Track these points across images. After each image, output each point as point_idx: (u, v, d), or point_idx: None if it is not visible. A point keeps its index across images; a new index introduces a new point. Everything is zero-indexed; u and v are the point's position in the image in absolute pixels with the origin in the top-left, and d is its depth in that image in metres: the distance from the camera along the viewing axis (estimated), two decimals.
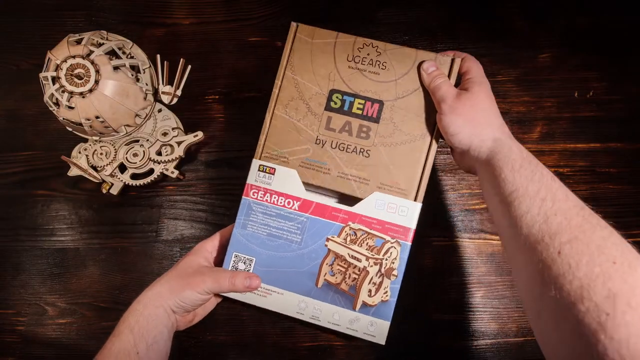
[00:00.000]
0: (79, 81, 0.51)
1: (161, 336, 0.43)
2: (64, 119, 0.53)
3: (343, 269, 0.46)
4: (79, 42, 0.53)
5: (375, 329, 0.46)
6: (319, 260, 0.46)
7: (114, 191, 0.57)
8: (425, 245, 0.55)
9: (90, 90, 0.51)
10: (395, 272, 0.45)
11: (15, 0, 0.70)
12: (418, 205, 0.46)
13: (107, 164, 0.57)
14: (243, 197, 0.48)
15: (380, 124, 0.48)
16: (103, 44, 0.53)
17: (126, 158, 0.57)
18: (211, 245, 0.49)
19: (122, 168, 0.57)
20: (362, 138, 0.48)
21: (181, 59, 0.56)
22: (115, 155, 0.57)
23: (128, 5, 0.69)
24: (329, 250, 0.46)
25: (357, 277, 0.46)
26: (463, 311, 0.53)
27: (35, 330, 0.54)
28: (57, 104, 0.53)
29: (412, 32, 0.67)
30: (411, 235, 0.46)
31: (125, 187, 0.58)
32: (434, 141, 0.47)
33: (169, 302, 0.44)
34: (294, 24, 0.49)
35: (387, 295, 0.45)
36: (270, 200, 0.48)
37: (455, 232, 0.57)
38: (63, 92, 0.51)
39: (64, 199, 0.59)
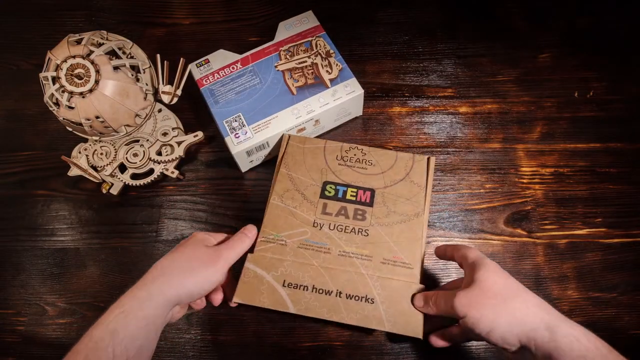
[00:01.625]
0: (79, 81, 0.51)
1: (147, 347, 0.39)
2: (64, 119, 0.53)
3: (301, 73, 0.57)
4: (79, 42, 0.53)
5: (350, 87, 0.57)
6: (281, 82, 0.57)
7: (114, 191, 0.57)
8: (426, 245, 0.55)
9: (90, 90, 0.51)
10: (330, 51, 0.58)
11: (16, 0, 0.70)
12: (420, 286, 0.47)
13: (107, 164, 0.57)
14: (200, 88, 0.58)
15: (374, 207, 0.50)
16: (103, 44, 0.53)
17: (126, 158, 0.57)
18: (215, 238, 0.46)
19: (122, 168, 0.57)
20: (358, 220, 0.50)
21: (181, 59, 0.56)
22: (115, 155, 0.57)
23: (128, 5, 0.69)
24: (282, 71, 0.57)
25: (313, 70, 0.57)
26: None
27: (35, 330, 0.54)
28: (57, 104, 0.53)
29: (412, 32, 0.67)
30: None
31: (125, 187, 0.58)
32: (426, 219, 0.50)
33: (173, 294, 0.40)
34: (285, 135, 0.55)
35: (338, 66, 0.57)
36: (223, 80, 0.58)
37: (455, 232, 0.57)
38: (63, 92, 0.51)
39: (64, 199, 0.59)
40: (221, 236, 0.47)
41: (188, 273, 0.41)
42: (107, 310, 0.39)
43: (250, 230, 0.48)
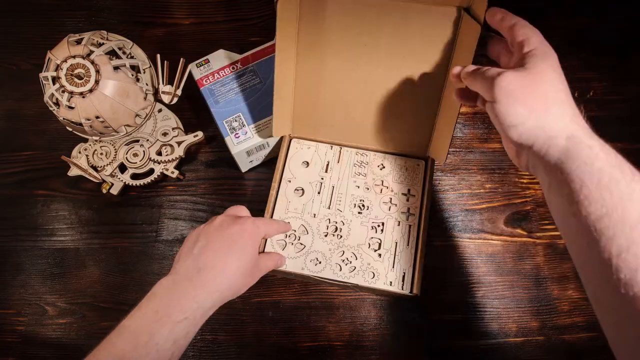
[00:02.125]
0: (79, 81, 0.51)
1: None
2: (64, 119, 0.53)
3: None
4: (79, 42, 0.53)
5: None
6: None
7: (114, 191, 0.57)
8: (425, 245, 0.55)
9: (91, 90, 0.51)
10: None
11: (16, 0, 0.70)
12: None
13: (107, 164, 0.56)
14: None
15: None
16: (103, 44, 0.53)
17: (126, 158, 0.57)
18: (264, 231, 0.46)
19: (122, 168, 0.57)
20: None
21: (181, 59, 0.56)
22: (115, 155, 0.57)
23: (128, 5, 0.69)
24: None
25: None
26: (463, 311, 0.53)
27: (35, 330, 0.53)
28: (57, 104, 0.53)
29: None
30: None
31: (126, 187, 0.58)
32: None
33: (225, 300, 0.41)
34: (286, 136, 0.55)
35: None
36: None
37: (455, 232, 0.57)
38: (63, 92, 0.51)
39: (64, 199, 0.59)
40: (267, 229, 0.47)
41: (235, 290, 0.42)
42: (163, 308, 0.38)
43: (281, 259, 0.49)
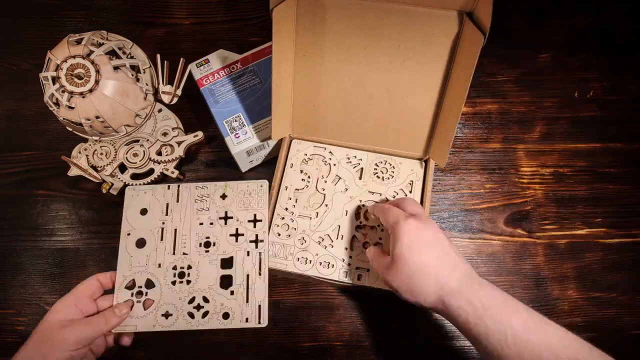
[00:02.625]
0: (79, 81, 0.51)
1: None
2: (64, 119, 0.53)
3: None
4: (79, 42, 0.53)
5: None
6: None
7: (114, 191, 0.57)
8: None
9: (91, 90, 0.51)
10: None
11: (16, 1, 0.70)
12: None
13: (107, 164, 0.56)
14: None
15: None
16: (103, 44, 0.53)
17: (126, 158, 0.57)
18: (74, 297, 0.45)
19: (122, 168, 0.57)
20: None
21: (181, 59, 0.56)
22: (115, 155, 0.57)
23: (128, 5, 0.69)
24: None
25: None
26: None
27: None
28: (57, 104, 0.53)
29: None
30: None
31: (125, 187, 0.58)
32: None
33: None
34: (286, 137, 0.54)
35: None
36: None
37: (455, 232, 0.57)
38: (63, 92, 0.51)
39: (64, 199, 0.59)
40: (78, 291, 0.46)
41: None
42: None
43: (120, 309, 0.46)
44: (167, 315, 0.47)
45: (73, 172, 0.57)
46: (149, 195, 0.51)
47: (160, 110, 0.59)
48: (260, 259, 0.48)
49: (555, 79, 0.64)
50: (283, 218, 0.51)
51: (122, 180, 0.57)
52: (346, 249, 0.50)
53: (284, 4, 0.44)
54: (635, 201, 0.57)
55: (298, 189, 0.53)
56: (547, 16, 0.67)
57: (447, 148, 0.49)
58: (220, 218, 0.50)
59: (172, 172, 0.57)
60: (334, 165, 0.54)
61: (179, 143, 0.57)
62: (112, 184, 0.57)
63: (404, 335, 0.52)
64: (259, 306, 0.46)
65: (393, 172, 0.53)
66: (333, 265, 0.49)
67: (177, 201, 0.50)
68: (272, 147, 0.57)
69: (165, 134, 0.57)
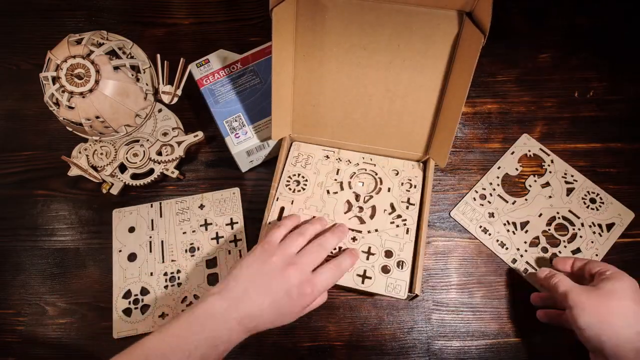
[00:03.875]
0: (79, 81, 0.51)
1: None
2: (64, 119, 0.53)
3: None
4: (79, 42, 0.53)
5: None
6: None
7: (114, 191, 0.57)
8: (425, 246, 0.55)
9: (91, 90, 0.51)
10: None
11: (16, 1, 0.70)
12: None
13: (107, 164, 0.57)
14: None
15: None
16: (103, 44, 0.53)
17: (126, 158, 0.57)
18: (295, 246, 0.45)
19: (122, 168, 0.57)
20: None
21: (181, 59, 0.56)
22: (115, 155, 0.57)
23: (128, 5, 0.69)
24: None
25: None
26: (463, 311, 0.53)
27: (35, 330, 0.54)
28: (57, 104, 0.53)
29: None
30: None
31: (126, 187, 0.58)
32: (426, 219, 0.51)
33: (263, 328, 0.42)
34: (287, 137, 0.54)
35: None
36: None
37: (455, 232, 0.57)
38: (63, 92, 0.51)
39: (64, 199, 0.59)
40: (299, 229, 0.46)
41: (272, 322, 0.42)
42: (179, 319, 0.40)
43: (354, 255, 0.47)
44: (163, 315, 0.52)
45: (73, 172, 0.57)
46: (134, 214, 0.57)
47: (160, 110, 0.59)
48: (240, 255, 0.54)
49: (555, 79, 0.64)
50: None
51: (122, 180, 0.57)
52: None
53: (284, 4, 0.44)
54: (635, 201, 0.57)
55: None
56: (547, 16, 0.67)
57: (448, 148, 0.49)
58: (201, 225, 0.56)
59: (172, 172, 0.57)
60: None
61: (179, 143, 0.57)
62: (112, 184, 0.57)
63: (404, 335, 0.52)
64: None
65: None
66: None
67: (161, 216, 0.56)
68: (272, 147, 0.57)
69: (165, 134, 0.57)
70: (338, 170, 0.54)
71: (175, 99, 0.57)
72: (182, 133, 0.58)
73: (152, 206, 0.57)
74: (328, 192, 0.52)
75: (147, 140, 0.57)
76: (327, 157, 0.55)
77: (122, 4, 0.69)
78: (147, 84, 0.55)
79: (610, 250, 0.55)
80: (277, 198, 0.52)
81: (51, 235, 0.58)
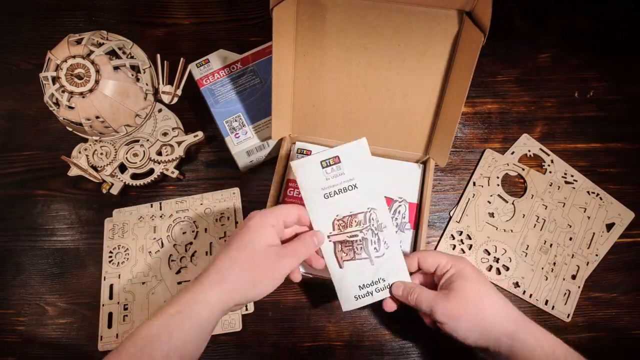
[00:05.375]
0: (79, 81, 0.51)
1: (198, 351, 0.39)
2: (64, 119, 0.53)
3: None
4: (79, 42, 0.53)
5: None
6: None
7: (114, 191, 0.57)
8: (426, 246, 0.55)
9: (91, 90, 0.51)
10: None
11: (16, 1, 0.70)
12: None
13: (107, 164, 0.56)
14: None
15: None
16: (103, 44, 0.53)
17: (126, 158, 0.57)
18: (275, 218, 0.42)
19: (122, 168, 0.57)
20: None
21: (181, 59, 0.56)
22: (115, 155, 0.57)
23: (128, 5, 0.69)
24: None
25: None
26: None
27: (35, 330, 0.54)
28: (57, 104, 0.53)
29: None
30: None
31: (126, 187, 0.58)
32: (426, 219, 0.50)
33: (231, 303, 0.39)
34: (287, 137, 0.54)
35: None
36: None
37: (442, 233, 0.57)
38: (63, 92, 0.51)
39: (64, 199, 0.59)
40: (280, 213, 0.43)
41: (248, 285, 0.40)
42: (158, 310, 0.38)
43: (319, 238, 0.45)
44: None
45: (73, 172, 0.57)
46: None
47: (160, 110, 0.59)
48: None
49: (555, 79, 0.64)
50: None
51: (122, 180, 0.57)
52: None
53: (284, 4, 0.44)
54: (635, 201, 0.57)
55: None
56: (547, 16, 0.67)
57: (448, 148, 0.49)
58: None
59: (172, 172, 0.57)
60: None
61: (179, 143, 0.57)
62: (112, 184, 0.57)
63: (404, 335, 0.52)
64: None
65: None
66: None
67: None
68: (272, 146, 0.57)
69: (165, 134, 0.57)
70: (155, 227, 0.55)
71: (175, 99, 0.57)
72: (182, 133, 0.58)
73: (152, 206, 0.57)
74: (150, 253, 0.54)
75: (147, 140, 0.57)
76: (141, 218, 0.56)
77: (122, 4, 0.69)
78: (147, 84, 0.55)
79: (610, 250, 0.55)
80: (105, 277, 0.53)
81: (51, 235, 0.58)
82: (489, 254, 0.55)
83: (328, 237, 0.48)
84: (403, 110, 0.51)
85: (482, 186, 0.58)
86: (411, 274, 0.45)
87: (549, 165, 0.59)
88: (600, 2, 0.67)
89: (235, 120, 0.55)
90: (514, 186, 0.58)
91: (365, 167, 0.45)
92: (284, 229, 0.44)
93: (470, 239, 0.56)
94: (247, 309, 0.53)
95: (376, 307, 0.53)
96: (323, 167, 0.45)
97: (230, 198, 0.57)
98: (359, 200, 0.48)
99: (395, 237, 0.48)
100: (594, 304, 0.53)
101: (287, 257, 0.42)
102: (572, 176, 0.58)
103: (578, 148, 0.60)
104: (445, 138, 0.49)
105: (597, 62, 0.64)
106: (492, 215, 0.56)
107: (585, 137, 0.61)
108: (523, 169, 0.58)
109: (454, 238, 0.56)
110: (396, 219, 0.51)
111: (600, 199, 0.57)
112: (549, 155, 0.59)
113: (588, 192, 0.57)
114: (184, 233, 0.56)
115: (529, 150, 0.60)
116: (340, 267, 0.48)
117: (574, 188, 0.57)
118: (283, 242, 0.44)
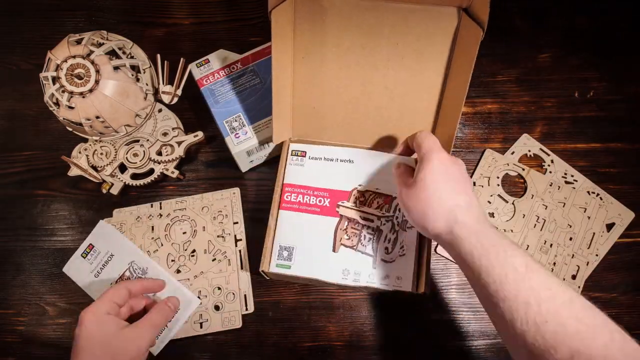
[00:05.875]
0: (79, 81, 0.51)
1: None
2: (64, 119, 0.53)
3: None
4: (79, 42, 0.53)
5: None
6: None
7: (114, 191, 0.57)
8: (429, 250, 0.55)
9: (91, 90, 0.51)
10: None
11: (16, 1, 0.70)
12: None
13: (107, 164, 0.56)
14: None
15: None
16: (103, 44, 0.53)
17: (126, 158, 0.57)
18: (105, 306, 0.45)
19: (122, 168, 0.57)
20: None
21: (181, 59, 0.56)
22: (115, 155, 0.57)
23: (128, 5, 0.69)
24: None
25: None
26: (463, 311, 0.53)
27: (35, 330, 0.54)
28: (57, 104, 0.53)
29: None
30: None
31: (126, 187, 0.58)
32: None
33: None
34: (287, 141, 0.54)
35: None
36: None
37: None
38: (63, 92, 0.51)
39: (64, 199, 0.59)
40: (108, 299, 0.45)
41: None
42: None
43: (173, 303, 0.49)
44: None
45: (73, 172, 0.57)
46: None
47: (160, 110, 0.59)
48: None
49: (555, 79, 0.64)
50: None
51: (122, 180, 0.57)
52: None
53: (282, 6, 0.44)
54: (635, 201, 0.57)
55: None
56: (547, 16, 0.67)
57: (449, 147, 0.49)
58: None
59: (172, 172, 0.57)
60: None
61: (179, 143, 0.57)
62: (112, 184, 0.57)
63: (404, 335, 0.52)
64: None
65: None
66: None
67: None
68: (274, 146, 0.57)
69: (165, 134, 0.57)
70: (153, 227, 0.55)
71: (175, 99, 0.57)
72: (182, 133, 0.58)
73: (152, 206, 0.57)
74: (148, 252, 0.54)
75: (147, 140, 0.57)
76: (138, 218, 0.56)
77: (122, 4, 0.69)
78: (147, 84, 0.55)
79: (610, 250, 0.55)
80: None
81: (51, 235, 0.58)
82: None
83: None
84: (403, 110, 0.51)
85: (482, 186, 0.58)
86: None
87: (549, 165, 0.59)
88: (600, 2, 0.67)
89: (235, 120, 0.55)
90: (514, 186, 0.58)
91: None
92: (120, 310, 0.46)
93: None
94: (247, 309, 0.53)
95: (376, 307, 0.53)
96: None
97: (230, 198, 0.57)
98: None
99: (413, 245, 0.47)
100: (594, 304, 0.53)
101: (143, 329, 0.44)
102: (572, 176, 0.58)
103: (578, 148, 0.60)
104: (447, 136, 0.49)
105: (597, 62, 0.64)
106: (492, 215, 0.56)
107: (585, 137, 0.61)
108: (523, 169, 0.58)
109: None
110: (397, 217, 0.51)
111: (601, 199, 0.57)
112: (549, 155, 0.59)
113: (588, 192, 0.57)
114: (184, 233, 0.55)
115: (529, 150, 0.60)
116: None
117: (574, 188, 0.57)
118: (134, 315, 0.48)
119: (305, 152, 0.53)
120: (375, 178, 0.51)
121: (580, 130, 0.61)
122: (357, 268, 0.48)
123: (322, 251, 0.49)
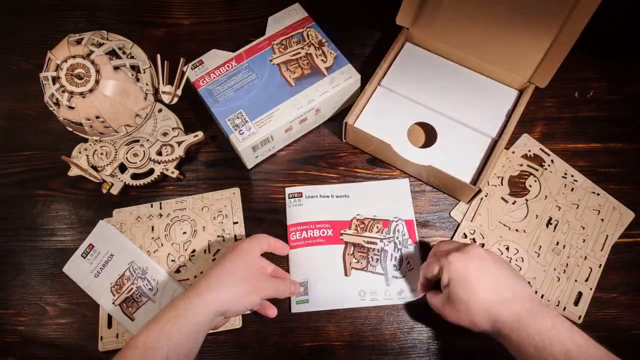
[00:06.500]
0: (79, 81, 0.51)
1: (193, 352, 0.43)
2: (64, 119, 0.53)
3: (296, 64, 0.50)
4: (79, 42, 0.53)
5: (346, 74, 0.54)
6: (278, 75, 0.56)
7: (114, 191, 0.57)
8: (426, 245, 0.55)
9: (91, 90, 0.51)
10: (323, 40, 0.50)
11: (16, 1, 0.70)
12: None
13: (107, 164, 0.57)
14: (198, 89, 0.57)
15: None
16: (103, 44, 0.53)
17: (126, 158, 0.57)
18: (260, 244, 0.49)
19: (122, 168, 0.57)
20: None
21: (181, 59, 0.56)
22: (115, 155, 0.57)
23: (128, 5, 0.69)
24: (278, 64, 0.50)
25: (308, 60, 0.49)
26: None
27: (35, 330, 0.54)
28: (57, 104, 0.53)
29: None
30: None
31: (126, 187, 0.58)
32: None
33: (223, 308, 0.44)
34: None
35: (332, 54, 0.49)
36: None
37: (455, 232, 0.57)
38: (63, 92, 0.51)
39: (64, 199, 0.59)
40: (262, 242, 0.49)
41: (237, 298, 0.45)
42: (156, 316, 0.42)
43: (296, 289, 0.52)
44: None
45: (73, 172, 0.57)
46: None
47: (160, 110, 0.59)
48: None
49: (555, 79, 0.64)
50: None
51: (122, 180, 0.57)
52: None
53: None
54: (635, 201, 0.57)
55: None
56: None
57: (553, 70, 0.52)
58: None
59: (172, 172, 0.57)
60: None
61: (179, 143, 0.57)
62: (112, 184, 0.57)
63: (404, 335, 0.52)
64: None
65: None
66: None
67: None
68: (277, 140, 0.57)
69: (165, 134, 0.57)
70: (153, 227, 0.56)
71: (175, 99, 0.57)
72: (182, 133, 0.58)
73: (152, 206, 0.57)
74: (148, 252, 0.54)
75: (147, 140, 0.57)
76: (138, 218, 0.56)
77: (122, 4, 0.69)
78: (147, 84, 0.55)
79: (611, 250, 0.55)
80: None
81: (51, 235, 0.58)
82: (501, 253, 0.55)
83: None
84: (521, 33, 0.53)
85: (496, 185, 0.58)
86: None
87: (549, 165, 0.59)
88: (600, 2, 0.67)
89: (237, 117, 0.55)
90: (514, 186, 0.58)
91: None
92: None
93: (482, 238, 0.55)
94: None
95: (376, 307, 0.53)
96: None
97: (230, 198, 0.57)
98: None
99: (418, 259, 0.50)
100: (594, 304, 0.53)
101: (269, 282, 0.48)
102: (572, 176, 0.58)
103: (578, 148, 0.60)
104: (552, 63, 0.52)
105: (597, 62, 0.64)
106: (504, 214, 0.56)
107: (585, 137, 0.61)
108: (537, 170, 0.58)
109: (466, 237, 0.56)
110: (397, 237, 0.53)
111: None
112: (549, 155, 0.59)
113: (588, 192, 0.57)
114: (184, 233, 0.55)
115: (529, 150, 0.60)
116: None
117: (574, 188, 0.57)
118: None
119: (302, 193, 0.56)
120: (371, 206, 0.55)
121: (580, 130, 0.61)
122: (371, 288, 0.52)
123: (335, 277, 0.52)
